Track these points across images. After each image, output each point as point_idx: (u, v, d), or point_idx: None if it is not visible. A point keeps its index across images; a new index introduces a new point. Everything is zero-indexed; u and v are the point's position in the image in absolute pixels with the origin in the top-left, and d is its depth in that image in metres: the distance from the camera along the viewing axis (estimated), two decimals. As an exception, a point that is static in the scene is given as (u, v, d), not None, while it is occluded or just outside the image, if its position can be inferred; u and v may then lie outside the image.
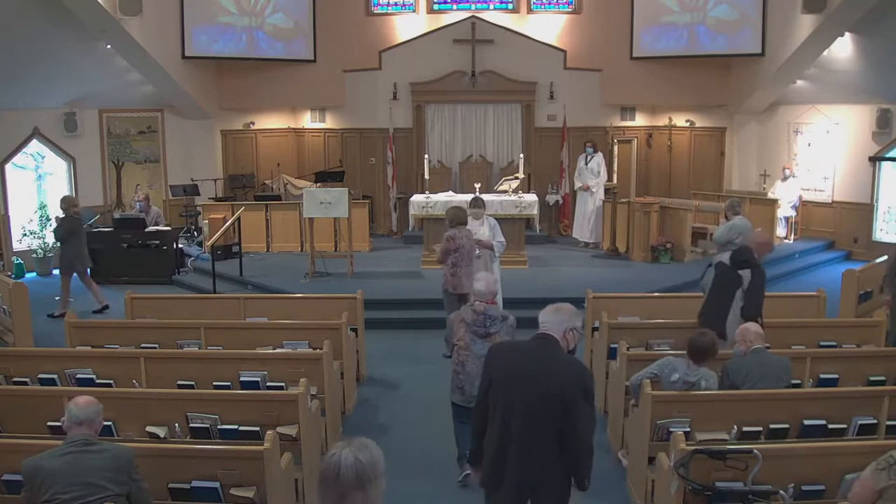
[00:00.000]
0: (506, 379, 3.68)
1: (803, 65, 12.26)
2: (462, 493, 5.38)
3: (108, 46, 11.74)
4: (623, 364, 5.88)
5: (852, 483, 3.54)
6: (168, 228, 12.12)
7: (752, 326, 5.25)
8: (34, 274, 12.33)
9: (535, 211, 11.72)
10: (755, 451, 4.16)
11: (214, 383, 5.69)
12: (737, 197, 10.12)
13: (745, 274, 6.02)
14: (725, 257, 6.30)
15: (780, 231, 12.84)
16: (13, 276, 11.30)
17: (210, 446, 4.62)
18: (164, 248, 11.78)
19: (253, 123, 14.74)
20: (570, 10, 14.47)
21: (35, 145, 12.66)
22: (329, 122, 14.79)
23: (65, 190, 13.06)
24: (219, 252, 11.18)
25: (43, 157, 12.81)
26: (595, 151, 12.82)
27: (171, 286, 11.45)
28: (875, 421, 4.99)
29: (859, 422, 4.97)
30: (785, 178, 12.89)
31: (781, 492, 4.08)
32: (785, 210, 12.80)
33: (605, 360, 6.65)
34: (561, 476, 3.67)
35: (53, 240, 10.97)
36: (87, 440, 3.68)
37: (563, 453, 3.58)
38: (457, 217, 7.89)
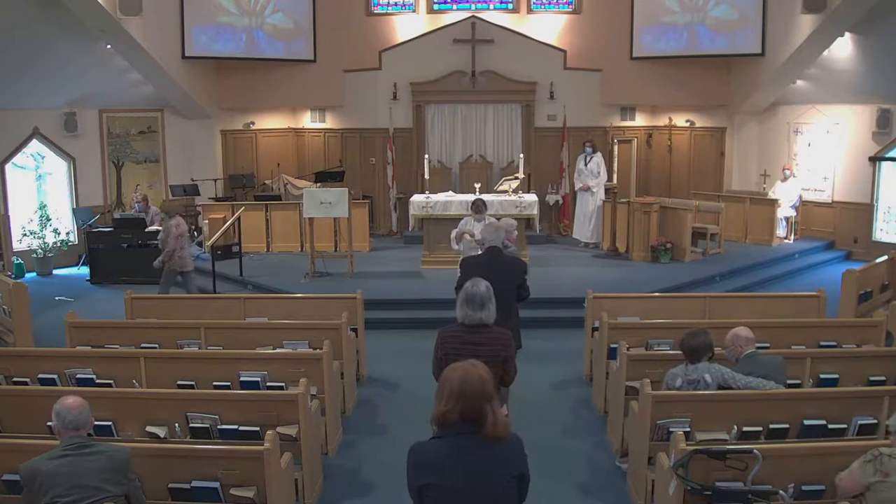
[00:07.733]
0: (478, 273, 5.56)
1: (803, 65, 12.26)
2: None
3: (108, 46, 11.74)
4: (623, 364, 5.87)
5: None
6: (168, 228, 12.11)
7: (742, 331, 5.18)
8: (34, 274, 12.34)
9: (535, 211, 11.71)
10: (755, 451, 4.16)
11: (214, 383, 5.69)
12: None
13: None
14: None
15: (780, 231, 12.85)
16: (13, 276, 11.30)
17: (210, 446, 4.62)
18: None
19: (253, 123, 14.74)
20: (570, 10, 14.46)
21: (35, 145, 12.66)
22: (329, 122, 14.79)
23: (65, 190, 13.08)
24: (219, 252, 11.18)
25: (43, 157, 12.80)
26: (594, 151, 12.80)
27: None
28: (875, 421, 4.99)
29: (859, 422, 4.97)
30: (785, 179, 12.89)
31: (781, 492, 4.07)
32: (785, 210, 12.80)
33: (605, 360, 6.65)
34: (516, 318, 5.82)
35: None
36: (84, 443, 3.68)
37: (517, 301, 5.83)
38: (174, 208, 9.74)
